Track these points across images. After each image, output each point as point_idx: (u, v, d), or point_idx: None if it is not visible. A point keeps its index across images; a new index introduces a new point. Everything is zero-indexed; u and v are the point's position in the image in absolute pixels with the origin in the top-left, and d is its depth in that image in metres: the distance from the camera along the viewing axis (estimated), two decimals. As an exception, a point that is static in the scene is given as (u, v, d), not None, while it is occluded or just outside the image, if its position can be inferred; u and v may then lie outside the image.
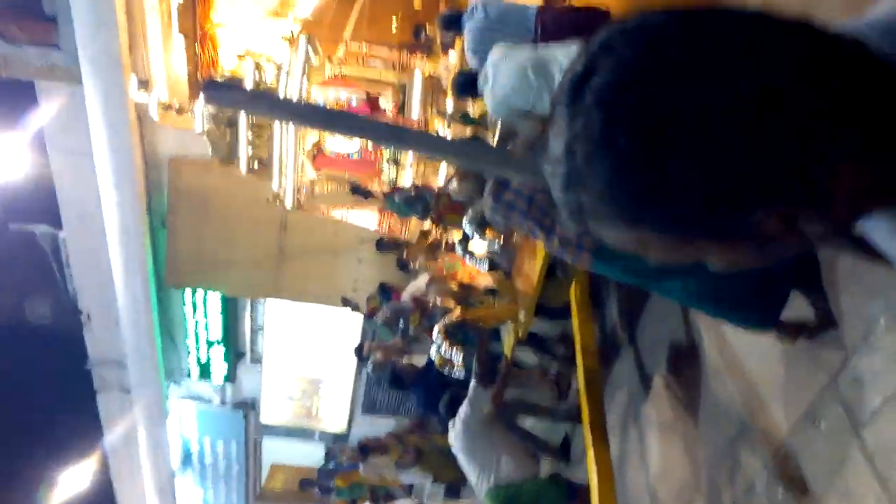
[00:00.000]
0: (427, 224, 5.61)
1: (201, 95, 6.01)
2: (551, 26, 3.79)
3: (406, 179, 5.69)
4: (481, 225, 4.22)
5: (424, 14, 7.47)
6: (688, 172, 0.51)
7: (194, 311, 10.17)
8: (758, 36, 0.52)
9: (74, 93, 7.36)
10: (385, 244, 6.66)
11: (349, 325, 9.46)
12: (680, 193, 0.52)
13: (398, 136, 2.43)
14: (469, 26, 3.94)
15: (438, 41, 5.45)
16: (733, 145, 0.50)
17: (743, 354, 3.16)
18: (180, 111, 6.17)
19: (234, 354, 11.09)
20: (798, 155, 0.51)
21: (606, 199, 0.54)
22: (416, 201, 5.16)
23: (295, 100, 5.38)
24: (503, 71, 3.30)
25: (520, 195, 2.98)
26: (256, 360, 11.40)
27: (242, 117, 5.61)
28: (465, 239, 4.88)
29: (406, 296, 5.39)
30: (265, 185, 6.45)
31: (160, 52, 7.27)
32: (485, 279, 4.96)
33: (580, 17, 4.04)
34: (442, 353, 4.19)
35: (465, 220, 4.49)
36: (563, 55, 3.17)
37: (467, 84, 3.77)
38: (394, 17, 8.68)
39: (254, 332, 11.15)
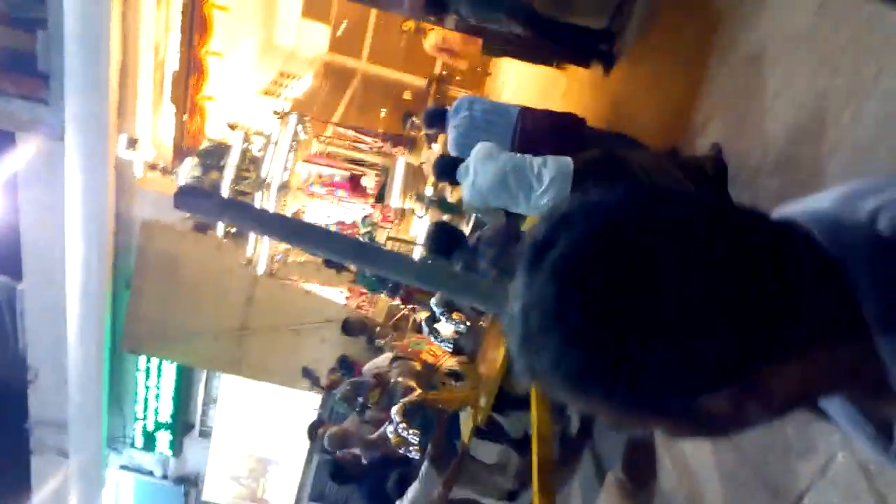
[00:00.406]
0: (396, 301, 5.62)
1: (185, 160, 6.13)
2: (531, 128, 3.99)
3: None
4: (449, 306, 4.28)
5: (414, 104, 7.78)
6: (635, 356, 0.52)
7: (147, 377, 9.87)
8: (711, 227, 0.55)
9: (55, 149, 7.41)
10: (351, 327, 6.49)
11: (305, 406, 9.25)
12: (625, 375, 0.53)
13: (366, 254, 2.49)
14: (454, 123, 4.10)
15: (423, 133, 5.66)
16: (680, 334, 0.52)
17: (698, 466, 3.18)
18: (164, 171, 6.23)
19: (183, 426, 10.70)
20: (742, 345, 0.53)
21: (554, 370, 0.55)
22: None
23: (281, 171, 5.50)
24: (484, 171, 3.45)
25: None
26: (205, 433, 11.01)
27: (226, 182, 5.68)
28: (433, 319, 4.90)
29: (367, 371, 5.32)
30: (237, 254, 6.46)
31: (149, 116, 7.43)
32: (448, 361, 4.95)
33: (558, 120, 4.30)
34: (399, 432, 4.13)
35: (433, 300, 4.55)
36: (540, 165, 3.36)
37: (448, 168, 3.86)
38: (382, 110, 9.04)
39: (206, 404, 10.82)
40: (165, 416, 10.24)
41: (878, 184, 0.64)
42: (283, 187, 5.64)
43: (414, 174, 6.09)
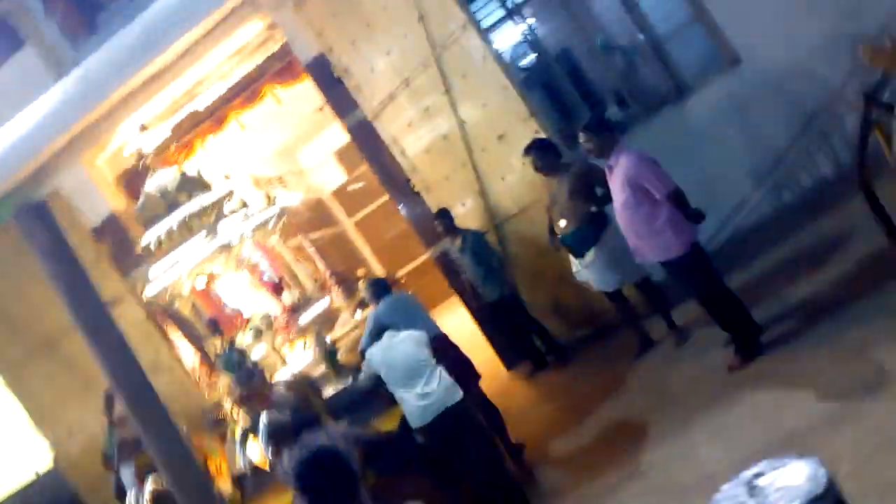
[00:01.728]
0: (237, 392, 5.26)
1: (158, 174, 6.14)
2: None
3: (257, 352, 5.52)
4: (276, 438, 4.12)
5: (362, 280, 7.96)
6: None
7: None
8: None
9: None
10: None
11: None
12: None
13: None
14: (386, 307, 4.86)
15: (361, 295, 5.90)
16: None
17: None
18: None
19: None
20: None
21: None
22: (246, 370, 5.03)
23: (236, 234, 5.58)
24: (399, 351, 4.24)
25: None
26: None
27: (186, 209, 5.69)
28: (251, 432, 4.73)
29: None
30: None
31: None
32: (225, 485, 4.63)
33: (463, 366, 4.90)
34: None
35: (263, 420, 4.43)
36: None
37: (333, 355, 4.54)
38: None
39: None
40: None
41: None
42: (226, 247, 5.64)
43: (329, 316, 6.17)
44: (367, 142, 6.89)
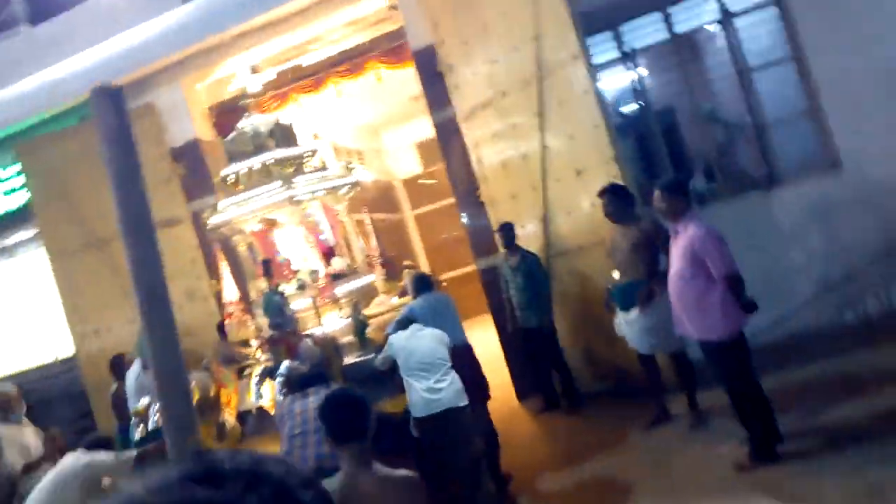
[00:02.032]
0: (269, 334, 5.43)
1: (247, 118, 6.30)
2: (455, 359, 4.61)
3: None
4: (291, 387, 4.31)
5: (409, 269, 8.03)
6: None
7: None
8: None
9: None
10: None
11: None
12: None
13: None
14: (424, 302, 5.11)
15: (403, 283, 6.03)
16: None
17: None
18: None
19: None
20: None
21: None
22: (283, 316, 5.20)
23: (306, 190, 5.84)
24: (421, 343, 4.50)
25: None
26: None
27: (271, 154, 5.98)
28: (272, 373, 4.91)
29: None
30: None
31: (248, 66, 7.77)
32: (230, 418, 4.86)
33: (476, 379, 4.99)
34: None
35: (285, 365, 4.63)
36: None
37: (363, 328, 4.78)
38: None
39: None
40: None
41: None
42: (296, 200, 5.87)
43: (367, 293, 6.36)
44: (449, 141, 6.95)
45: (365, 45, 7.76)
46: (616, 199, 5.08)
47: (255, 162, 6.12)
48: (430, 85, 6.94)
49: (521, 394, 6.71)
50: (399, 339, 4.54)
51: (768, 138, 6.55)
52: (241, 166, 6.18)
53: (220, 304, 6.51)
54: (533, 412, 6.29)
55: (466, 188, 6.92)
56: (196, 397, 4.54)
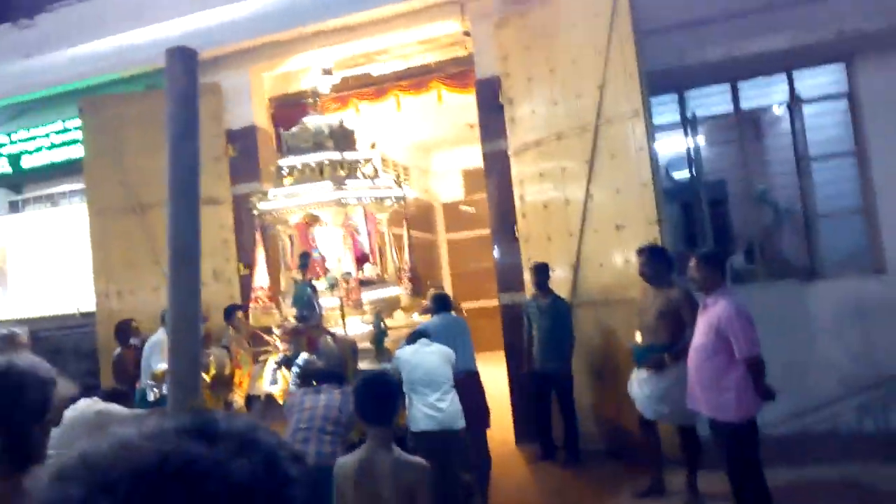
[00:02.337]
0: (292, 325, 5.59)
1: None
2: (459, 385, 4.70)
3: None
4: (306, 379, 4.42)
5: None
6: None
7: None
8: None
9: None
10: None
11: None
12: None
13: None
14: (441, 321, 5.23)
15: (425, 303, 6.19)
16: None
17: None
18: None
19: None
20: None
21: None
22: (311, 309, 5.37)
23: (355, 196, 6.11)
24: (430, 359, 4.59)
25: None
26: None
27: (325, 155, 6.17)
28: (288, 363, 5.07)
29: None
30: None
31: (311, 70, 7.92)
32: (238, 399, 5.08)
33: (478, 405, 5.09)
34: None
35: (304, 357, 4.79)
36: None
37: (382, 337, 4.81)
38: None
39: None
40: None
41: None
42: (342, 202, 6.13)
43: (391, 304, 6.50)
44: (495, 173, 6.98)
45: (431, 65, 7.87)
46: (654, 261, 5.01)
47: (312, 159, 6.35)
48: (488, 115, 6.99)
49: (520, 437, 6.60)
50: (405, 353, 4.59)
51: (816, 229, 6.44)
52: (299, 160, 6.39)
53: (248, 289, 6.65)
54: (529, 458, 6.18)
55: (504, 222, 6.92)
56: (212, 372, 4.82)
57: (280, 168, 6.52)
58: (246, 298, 6.90)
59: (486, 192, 7.29)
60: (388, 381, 2.81)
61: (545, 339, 5.86)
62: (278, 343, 5.72)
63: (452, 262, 12.79)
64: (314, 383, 4.16)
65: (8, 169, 9.00)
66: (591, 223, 6.08)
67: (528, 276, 6.38)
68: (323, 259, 6.26)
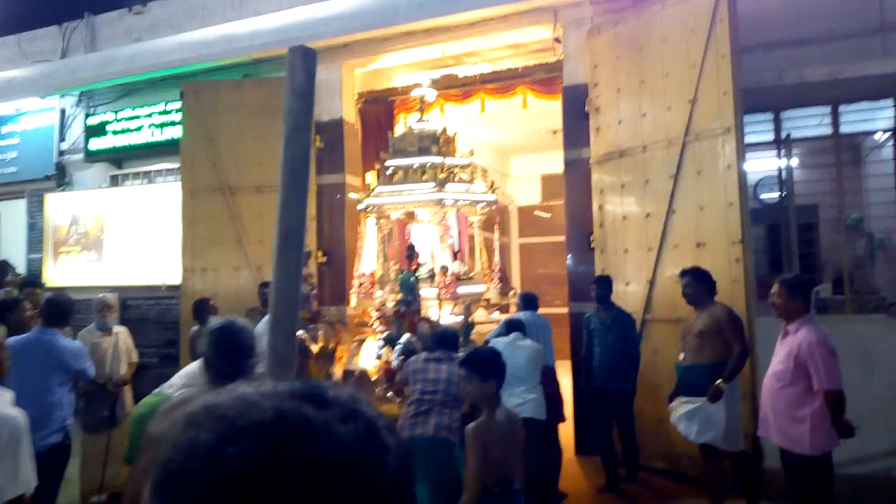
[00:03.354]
0: (395, 309, 6.14)
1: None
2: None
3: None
4: (407, 355, 5.02)
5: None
6: None
7: None
8: None
9: None
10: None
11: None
12: None
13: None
14: (532, 317, 5.62)
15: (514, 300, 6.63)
16: None
17: None
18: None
19: None
20: None
21: None
22: (414, 295, 6.00)
23: (452, 200, 6.58)
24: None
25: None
26: None
27: (425, 159, 6.20)
28: (393, 342, 5.69)
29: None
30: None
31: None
32: (337, 368, 5.84)
33: (554, 399, 5.37)
34: None
35: (406, 337, 5.52)
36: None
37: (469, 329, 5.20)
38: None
39: None
40: None
41: None
42: (441, 203, 6.79)
43: (478, 301, 6.98)
44: (575, 181, 6.93)
45: (519, 69, 7.89)
46: (696, 283, 5.00)
47: (417, 161, 6.96)
48: (573, 122, 6.96)
49: (580, 448, 6.54)
50: (499, 344, 4.73)
51: (912, 264, 6.11)
52: (404, 161, 7.01)
53: (323, 276, 6.99)
54: (587, 470, 6.12)
55: (579, 231, 6.87)
56: (320, 345, 5.53)
57: (385, 167, 7.12)
58: (322, 286, 7.18)
59: (563, 199, 7.26)
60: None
61: (609, 356, 5.60)
62: (376, 326, 6.29)
63: (523, 266, 12.76)
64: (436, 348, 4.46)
65: (111, 144, 9.56)
66: (671, 239, 5.96)
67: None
68: (417, 253, 6.78)
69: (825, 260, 7.30)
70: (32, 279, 8.09)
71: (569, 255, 7.05)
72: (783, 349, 4.01)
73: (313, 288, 6.26)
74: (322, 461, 0.53)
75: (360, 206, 7.14)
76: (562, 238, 7.39)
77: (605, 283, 5.80)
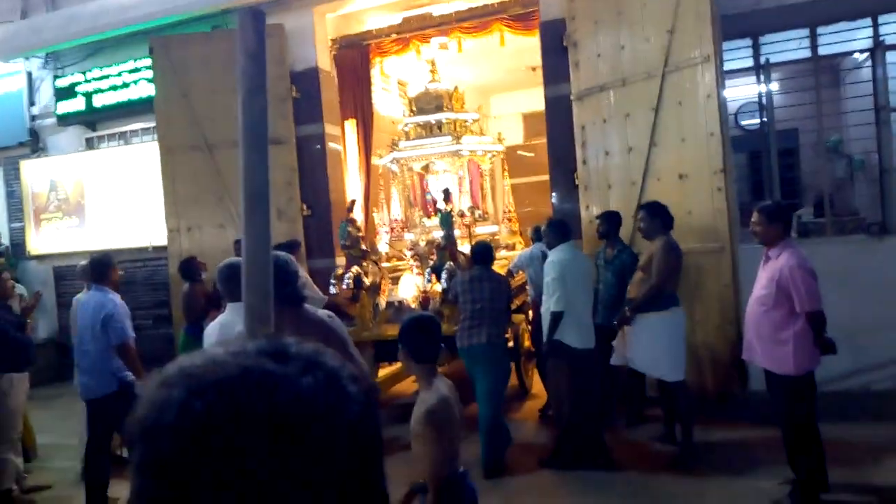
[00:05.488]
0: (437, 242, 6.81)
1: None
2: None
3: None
4: (446, 292, 5.78)
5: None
6: None
7: None
8: None
9: None
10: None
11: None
12: None
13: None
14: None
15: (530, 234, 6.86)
16: None
17: None
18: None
19: None
20: None
21: None
22: (451, 229, 6.67)
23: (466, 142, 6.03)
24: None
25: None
26: None
27: (436, 117, 6.07)
28: (438, 273, 6.27)
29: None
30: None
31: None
32: (382, 297, 6.61)
33: None
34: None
35: (449, 263, 6.21)
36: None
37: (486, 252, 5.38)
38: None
39: None
40: None
41: None
42: (458, 154, 7.81)
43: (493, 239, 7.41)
44: (557, 118, 6.89)
45: (495, 5, 7.73)
46: (649, 217, 4.98)
47: (434, 118, 7.82)
48: (551, 58, 6.87)
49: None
50: (565, 258, 4.84)
51: (891, 183, 6.16)
52: (424, 118, 7.87)
53: (309, 228, 6.94)
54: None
55: (563, 168, 6.86)
56: (370, 280, 6.38)
57: (406, 125, 8.03)
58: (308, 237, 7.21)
59: (546, 138, 7.22)
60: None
61: (606, 294, 5.51)
62: (411, 262, 7.09)
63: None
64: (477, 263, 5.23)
65: (83, 107, 9.36)
66: (654, 172, 5.97)
67: (586, 224, 6.35)
68: (434, 200, 7.77)
69: (806, 184, 7.36)
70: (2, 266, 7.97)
71: (553, 194, 7.06)
72: (765, 274, 4.09)
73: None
74: (283, 412, 0.57)
75: (382, 161, 8.06)
76: (546, 178, 7.38)
77: (609, 218, 5.63)
